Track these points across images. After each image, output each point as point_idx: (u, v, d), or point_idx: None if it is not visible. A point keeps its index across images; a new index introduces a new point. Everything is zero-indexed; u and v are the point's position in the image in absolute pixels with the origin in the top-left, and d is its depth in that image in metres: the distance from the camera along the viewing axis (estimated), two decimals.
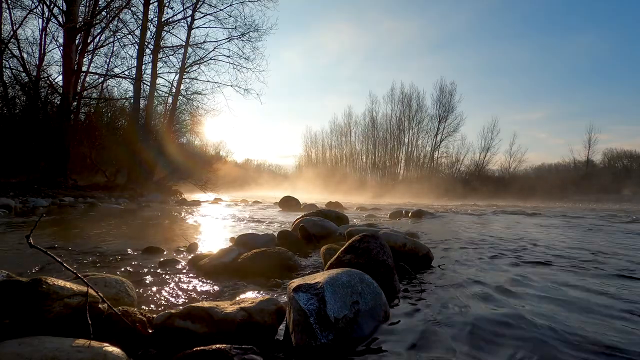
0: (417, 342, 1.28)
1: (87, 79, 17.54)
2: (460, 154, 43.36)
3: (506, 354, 1.20)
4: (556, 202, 26.39)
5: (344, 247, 2.07)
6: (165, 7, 17.04)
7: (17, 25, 14.43)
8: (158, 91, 17.96)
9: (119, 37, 17.21)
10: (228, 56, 18.39)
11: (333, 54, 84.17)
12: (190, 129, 20.52)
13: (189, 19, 17.72)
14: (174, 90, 18.08)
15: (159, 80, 17.89)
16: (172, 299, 1.76)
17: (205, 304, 1.31)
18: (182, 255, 2.86)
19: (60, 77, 14.30)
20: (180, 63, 17.81)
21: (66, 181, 13.18)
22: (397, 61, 75.50)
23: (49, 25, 15.89)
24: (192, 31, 17.96)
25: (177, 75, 17.99)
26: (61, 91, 13.72)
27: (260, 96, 20.05)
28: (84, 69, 16.12)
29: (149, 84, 16.96)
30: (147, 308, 1.61)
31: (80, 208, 8.59)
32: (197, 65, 18.30)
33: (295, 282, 1.38)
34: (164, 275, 2.20)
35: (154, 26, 16.86)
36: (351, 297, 1.35)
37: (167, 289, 1.93)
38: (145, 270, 2.33)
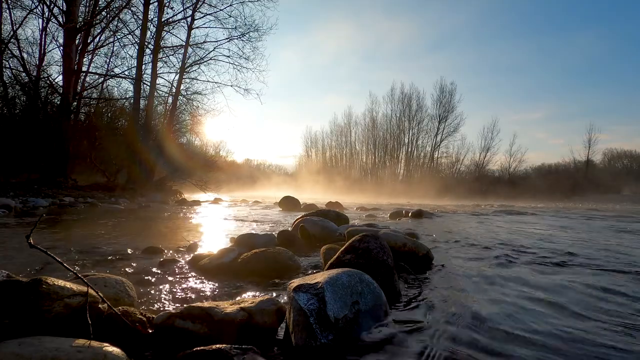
0: (417, 342, 1.28)
1: (87, 79, 17.55)
2: (460, 154, 43.48)
3: (506, 354, 1.20)
4: (556, 202, 26.38)
5: (344, 247, 2.07)
6: (165, 7, 17.02)
7: (17, 25, 14.44)
8: (158, 91, 17.95)
9: (119, 37, 17.25)
10: (228, 56, 18.38)
11: (333, 54, 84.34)
12: (190, 129, 20.48)
13: (189, 19, 17.71)
14: (174, 90, 18.06)
15: (159, 80, 17.88)
16: (172, 299, 1.76)
17: (205, 304, 1.31)
18: (182, 255, 2.85)
19: (60, 77, 14.33)
20: (180, 63, 17.79)
21: (66, 181, 13.18)
22: (396, 61, 75.63)
23: (49, 25, 15.91)
24: (192, 31, 17.95)
25: (177, 75, 17.98)
26: (61, 91, 13.72)
27: (260, 96, 20.04)
28: (84, 69, 16.15)
29: (149, 84, 16.94)
30: (147, 308, 1.61)
31: (80, 208, 8.59)
32: (197, 65, 18.28)
33: (295, 282, 1.38)
34: (164, 276, 2.20)
35: (154, 26, 16.85)
36: (351, 297, 1.34)
37: (167, 289, 1.93)
38: (145, 270, 2.33)
